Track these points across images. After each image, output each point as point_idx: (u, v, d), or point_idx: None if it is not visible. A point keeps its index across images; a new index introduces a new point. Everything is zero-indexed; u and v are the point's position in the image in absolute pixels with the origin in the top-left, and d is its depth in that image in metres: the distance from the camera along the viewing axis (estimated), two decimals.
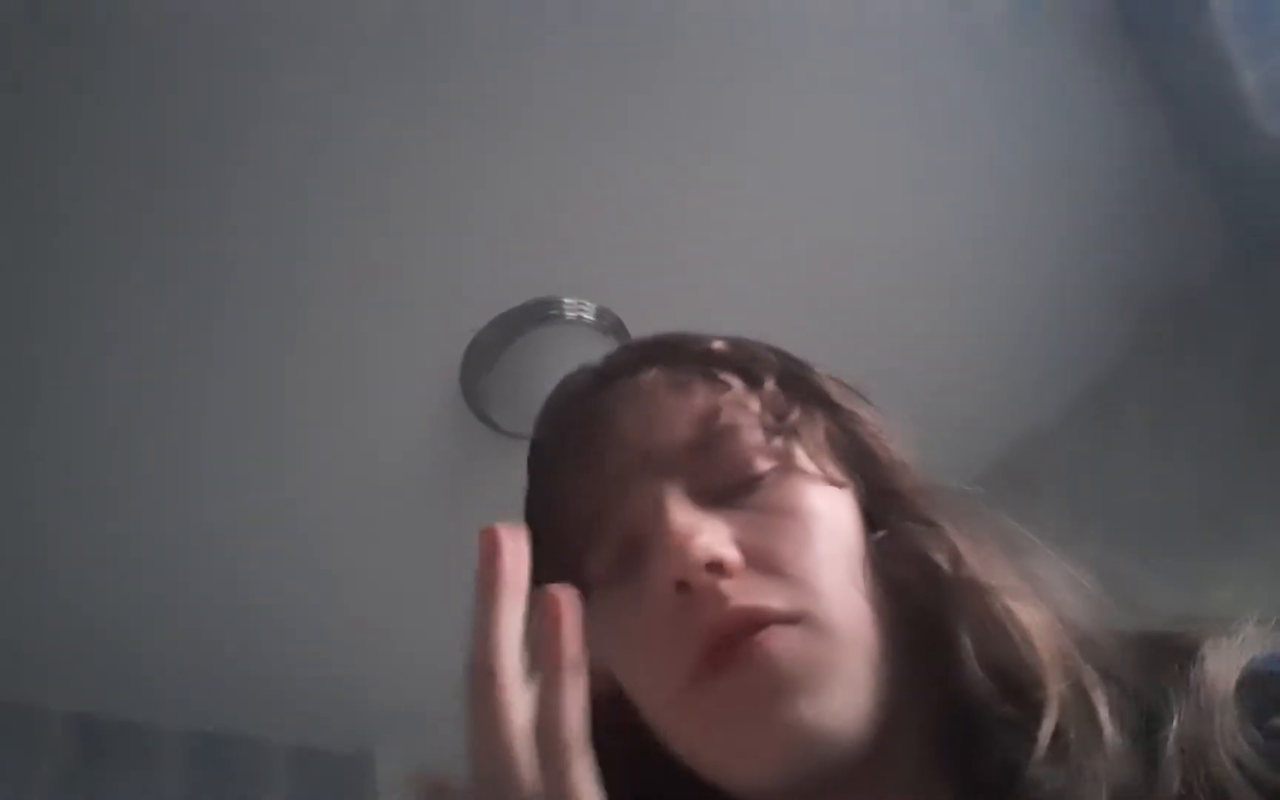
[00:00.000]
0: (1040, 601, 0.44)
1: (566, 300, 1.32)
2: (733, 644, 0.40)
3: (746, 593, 0.41)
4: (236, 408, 1.32)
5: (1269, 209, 1.55)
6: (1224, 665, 0.39)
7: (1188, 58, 1.32)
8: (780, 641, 0.40)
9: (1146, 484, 1.62)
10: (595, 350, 1.43)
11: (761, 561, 0.42)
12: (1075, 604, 0.46)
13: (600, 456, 0.47)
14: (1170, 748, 0.37)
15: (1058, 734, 0.38)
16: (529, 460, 0.53)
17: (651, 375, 0.49)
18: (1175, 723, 0.37)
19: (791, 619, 0.41)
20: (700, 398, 0.47)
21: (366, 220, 1.19)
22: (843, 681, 0.40)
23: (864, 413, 0.51)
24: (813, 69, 1.24)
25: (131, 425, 1.30)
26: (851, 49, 1.23)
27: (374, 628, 1.65)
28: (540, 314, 1.32)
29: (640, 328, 1.36)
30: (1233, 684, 0.38)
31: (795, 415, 0.48)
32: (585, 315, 1.33)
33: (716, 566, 0.41)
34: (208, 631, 1.56)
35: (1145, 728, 0.38)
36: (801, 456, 0.47)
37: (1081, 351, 1.73)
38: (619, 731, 0.45)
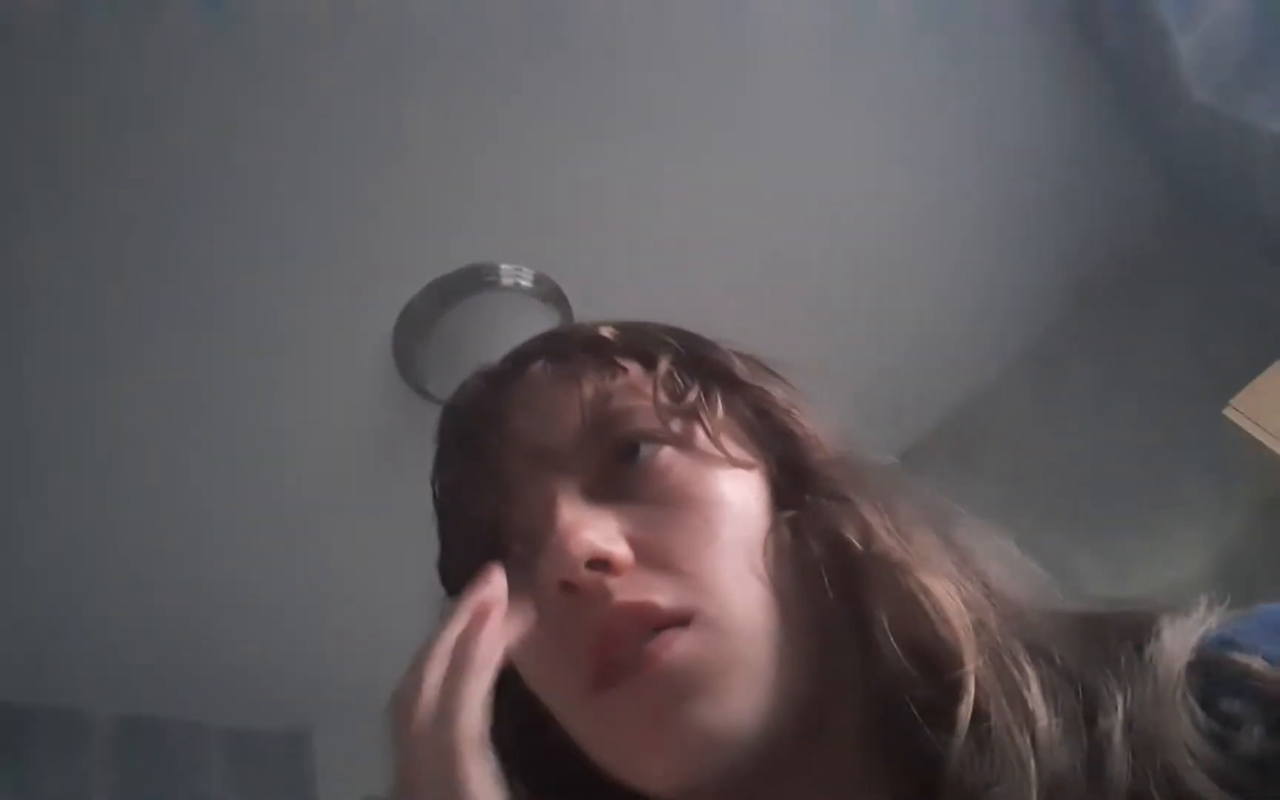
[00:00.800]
0: (965, 576, 0.42)
1: (504, 266, 1.28)
2: (625, 656, 0.38)
3: (632, 589, 0.39)
4: (161, 381, 1.26)
5: (1201, 174, 1.58)
6: (1179, 640, 0.37)
7: (1126, 24, 1.33)
8: (673, 648, 0.38)
9: (1084, 445, 1.65)
10: (533, 317, 1.41)
11: (652, 557, 0.40)
12: (1007, 577, 0.43)
13: (491, 460, 0.45)
14: (1117, 735, 0.35)
15: (980, 717, 0.36)
16: (433, 471, 0.51)
17: (538, 367, 0.47)
18: (1121, 708, 0.36)
19: (681, 618, 0.39)
20: (590, 386, 0.45)
21: (296, 182, 1.14)
22: (743, 678, 0.39)
23: (773, 389, 0.48)
24: (753, 45, 1.22)
25: (54, 402, 1.23)
26: (794, 26, 1.22)
27: (309, 605, 1.61)
28: (476, 280, 1.28)
29: (579, 294, 1.33)
30: (1185, 664, 0.36)
31: (693, 395, 0.45)
32: (523, 282, 1.29)
33: (600, 563, 0.39)
34: (137, 612, 1.51)
35: (1086, 711, 0.36)
36: (701, 438, 0.44)
37: (1021, 315, 1.75)
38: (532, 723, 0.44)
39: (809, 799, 0.40)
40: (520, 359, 0.48)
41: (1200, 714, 0.35)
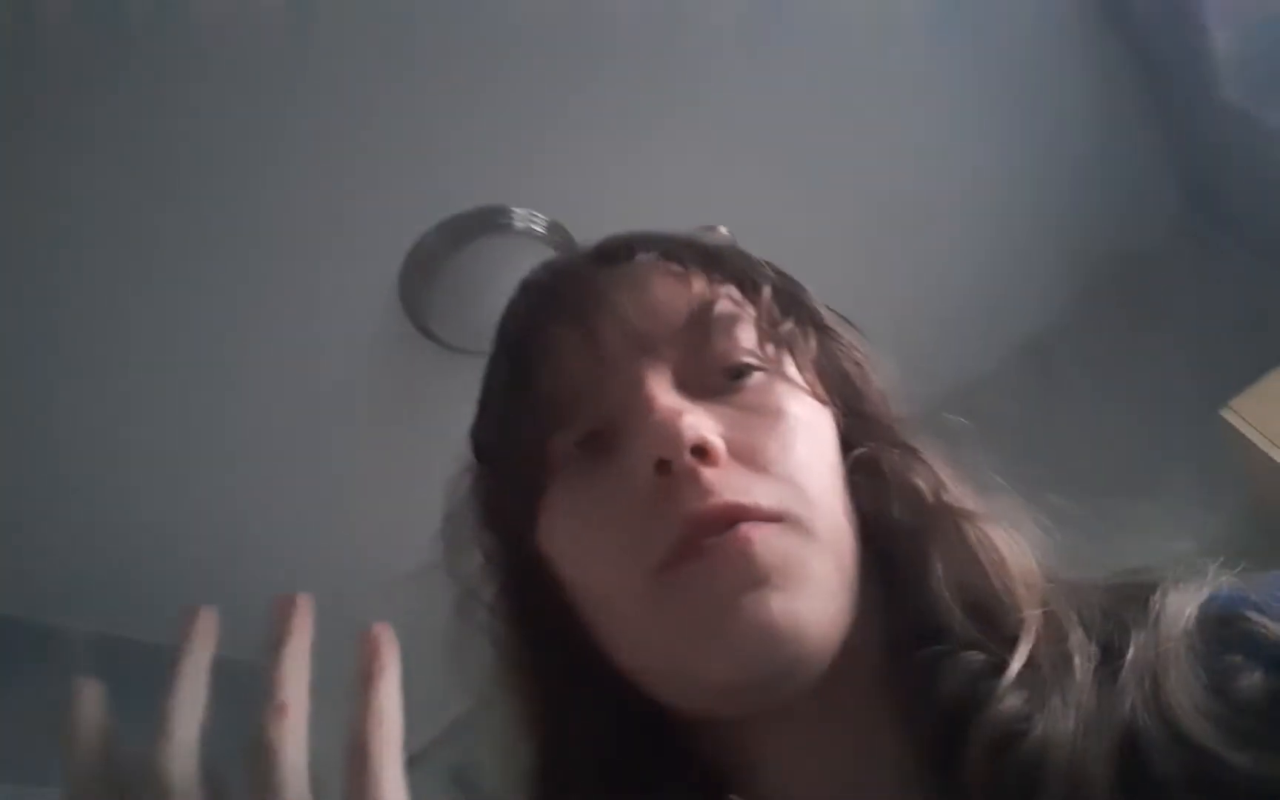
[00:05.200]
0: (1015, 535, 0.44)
1: (517, 210, 1.26)
2: (708, 534, 0.38)
3: (731, 486, 0.39)
4: (160, 298, 1.21)
5: (1217, 175, 1.58)
6: (1185, 599, 0.39)
7: (1161, 14, 1.31)
8: (763, 531, 0.38)
9: (1076, 437, 1.66)
10: None
11: (746, 456, 0.40)
12: (1043, 546, 0.45)
13: (589, 332, 0.44)
14: (1125, 673, 0.36)
15: (1031, 662, 0.38)
16: (502, 326, 0.51)
17: (649, 259, 0.48)
18: (1132, 650, 0.37)
19: (774, 516, 0.39)
20: (697, 288, 0.46)
21: (317, 109, 1.09)
22: (817, 586, 0.39)
23: (851, 339, 0.50)
24: (774, 12, 1.19)
25: (52, 317, 1.18)
26: None
27: (287, 539, 1.58)
28: (489, 222, 1.24)
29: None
30: (1192, 618, 0.38)
31: (789, 327, 0.47)
32: (536, 227, 1.27)
33: (701, 451, 0.39)
34: (122, 533, 1.48)
35: (1103, 659, 0.38)
36: (791, 367, 0.46)
37: (1025, 304, 1.75)
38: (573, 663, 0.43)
39: (817, 729, 0.41)
40: (629, 245, 0.49)
41: (1201, 668, 0.36)
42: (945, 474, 0.45)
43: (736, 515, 0.38)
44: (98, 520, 1.43)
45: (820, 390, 0.46)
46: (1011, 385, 1.76)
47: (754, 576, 0.37)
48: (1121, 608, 0.40)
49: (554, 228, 1.27)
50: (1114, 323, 1.70)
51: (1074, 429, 1.66)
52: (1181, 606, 0.38)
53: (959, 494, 0.44)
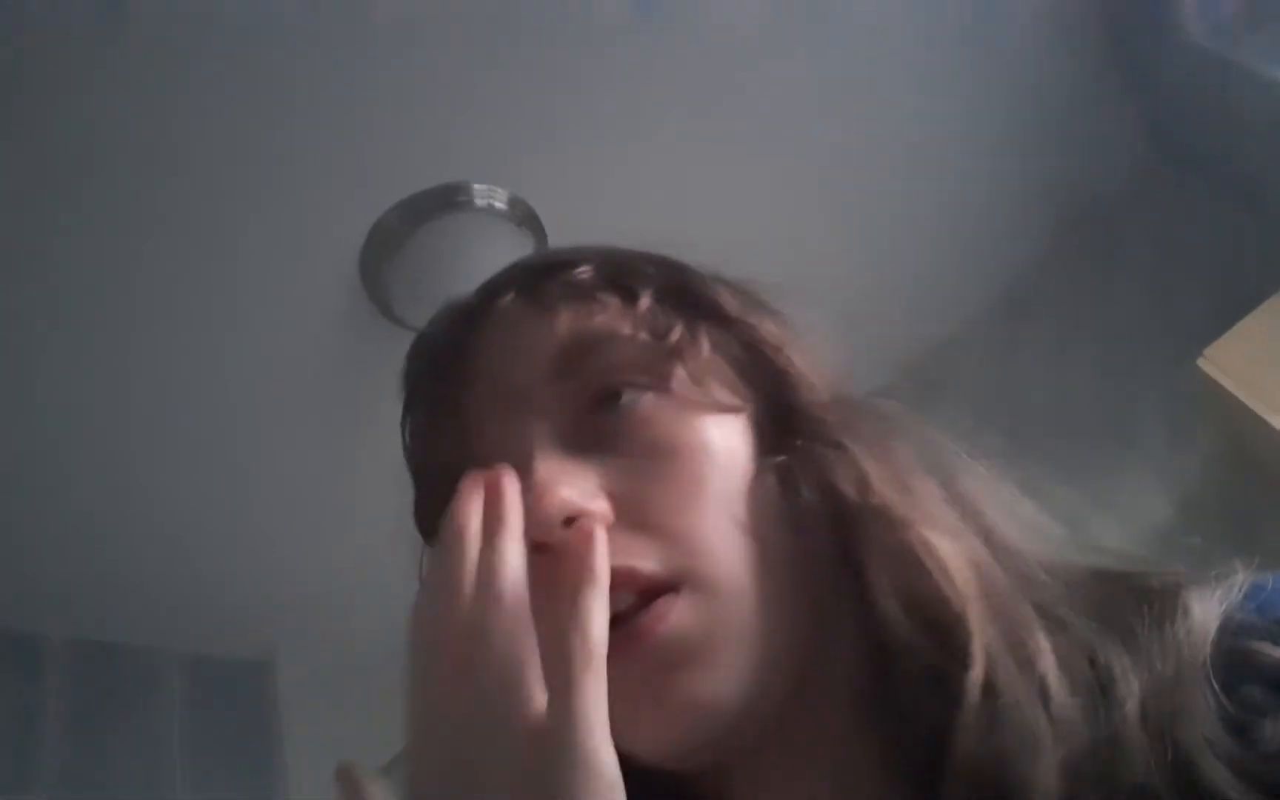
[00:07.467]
0: (969, 529, 0.39)
1: (477, 186, 1.23)
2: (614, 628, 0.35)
3: (612, 553, 0.35)
4: (120, 282, 1.18)
5: (1186, 120, 1.56)
6: (1206, 621, 0.35)
7: None
8: (668, 620, 0.36)
9: (1049, 392, 1.65)
10: (506, 241, 1.35)
11: (633, 514, 0.38)
12: (1013, 529, 0.41)
13: (458, 398, 0.42)
14: (1134, 719, 0.32)
15: (990, 689, 0.34)
16: (402, 409, 0.48)
17: (509, 300, 0.43)
18: (1139, 689, 0.33)
19: (667, 583, 0.36)
20: (564, 322, 0.41)
21: (273, 89, 1.06)
22: (735, 644, 0.36)
23: (765, 324, 0.45)
24: None
25: (12, 310, 1.15)
26: None
27: (269, 525, 1.57)
28: (448, 200, 1.22)
29: (555, 221, 1.28)
30: (1209, 646, 0.34)
31: (677, 333, 0.42)
32: (497, 203, 1.24)
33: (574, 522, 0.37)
34: (91, 534, 1.46)
35: (1101, 686, 0.34)
36: (682, 381, 0.41)
37: (995, 260, 1.73)
38: None
39: (794, 764, 0.39)
40: (489, 292, 0.45)
41: (1219, 700, 0.33)
42: (876, 469, 0.40)
43: (617, 581, 0.35)
44: (53, 522, 1.40)
45: (724, 395, 0.41)
46: (983, 339, 1.75)
47: (668, 661, 0.35)
48: (1127, 612, 0.35)
49: (515, 203, 1.25)
50: (1084, 272, 1.69)
51: (1047, 381, 1.65)
52: (1203, 629, 0.34)
53: (893, 492, 0.39)
